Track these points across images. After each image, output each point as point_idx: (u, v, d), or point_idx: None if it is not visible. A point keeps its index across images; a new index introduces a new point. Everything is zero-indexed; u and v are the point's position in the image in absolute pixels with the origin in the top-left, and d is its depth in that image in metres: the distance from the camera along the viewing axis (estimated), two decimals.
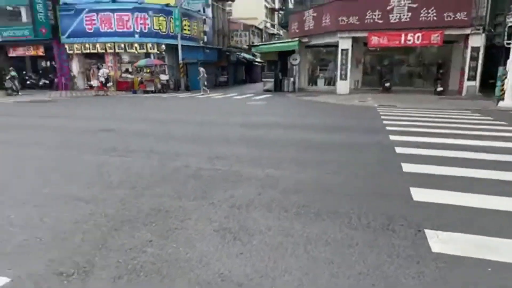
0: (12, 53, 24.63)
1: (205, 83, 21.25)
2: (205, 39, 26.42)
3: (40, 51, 24.07)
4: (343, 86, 19.22)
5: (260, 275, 2.38)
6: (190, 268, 2.49)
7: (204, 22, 26.56)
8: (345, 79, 19.20)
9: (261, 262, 2.55)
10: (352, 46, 18.83)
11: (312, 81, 23.32)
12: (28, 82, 24.21)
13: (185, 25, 23.82)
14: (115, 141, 6.94)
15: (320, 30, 19.78)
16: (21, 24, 22.73)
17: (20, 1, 22.23)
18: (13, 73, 20.20)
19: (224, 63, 32.60)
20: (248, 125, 9.19)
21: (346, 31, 18.39)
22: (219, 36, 31.88)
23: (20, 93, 19.85)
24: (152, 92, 21.06)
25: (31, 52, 24.27)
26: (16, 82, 19.97)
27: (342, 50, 18.86)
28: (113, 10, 21.68)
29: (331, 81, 22.01)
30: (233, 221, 3.22)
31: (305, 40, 21.33)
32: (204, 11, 27.25)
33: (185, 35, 23.61)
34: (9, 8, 23.49)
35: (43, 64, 25.93)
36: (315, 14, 20.08)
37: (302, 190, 4.03)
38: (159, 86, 21.51)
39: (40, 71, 25.82)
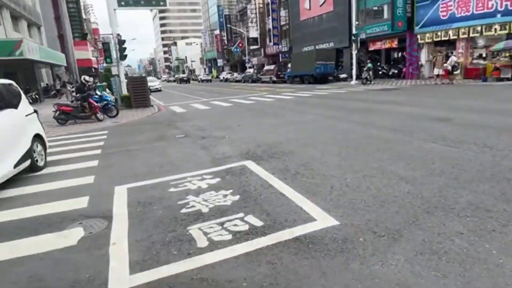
0: (371, 47, 28.62)
1: None
2: None
3: (394, 44, 26.37)
4: None
5: None
6: (501, 274, 2.27)
7: None
8: None
9: None
10: None
11: None
12: (380, 72, 27.39)
13: None
14: (447, 130, 6.75)
15: None
16: (382, 21, 25.79)
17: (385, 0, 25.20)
18: (369, 65, 23.68)
19: None
20: None
21: None
22: None
23: (372, 82, 22.96)
24: (507, 79, 17.85)
25: (387, 45, 27.11)
26: (370, 73, 23.24)
27: None
28: None
29: None
30: None
31: None
32: None
33: None
34: (374, 8, 27.33)
35: (395, 55, 28.30)
36: None
37: None
38: None
39: (391, 62, 28.38)
